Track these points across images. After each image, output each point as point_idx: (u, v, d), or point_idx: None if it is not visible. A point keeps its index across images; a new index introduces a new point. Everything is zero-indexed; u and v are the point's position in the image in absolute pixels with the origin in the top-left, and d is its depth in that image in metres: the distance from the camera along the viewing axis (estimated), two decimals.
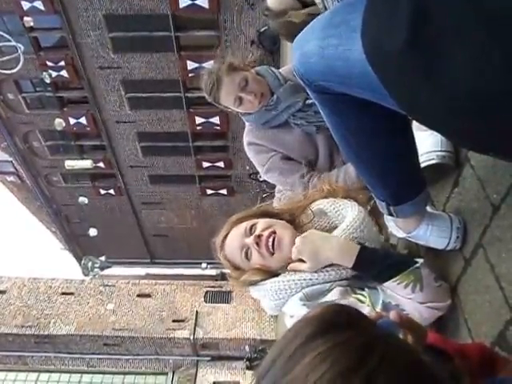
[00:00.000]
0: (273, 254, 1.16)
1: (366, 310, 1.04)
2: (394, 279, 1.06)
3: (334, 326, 0.49)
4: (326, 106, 0.96)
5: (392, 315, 0.61)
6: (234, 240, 1.20)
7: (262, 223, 1.19)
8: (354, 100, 0.85)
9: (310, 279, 1.11)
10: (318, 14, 1.23)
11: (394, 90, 0.70)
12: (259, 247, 1.15)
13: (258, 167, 1.84)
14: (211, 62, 1.74)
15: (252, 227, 1.18)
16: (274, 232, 1.16)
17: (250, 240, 1.16)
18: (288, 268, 1.15)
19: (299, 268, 1.12)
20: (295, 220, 1.26)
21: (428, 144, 1.25)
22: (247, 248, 1.17)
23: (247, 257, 1.18)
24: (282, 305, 1.17)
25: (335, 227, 1.21)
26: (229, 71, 1.65)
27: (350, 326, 0.49)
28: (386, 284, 1.08)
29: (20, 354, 17.70)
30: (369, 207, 1.24)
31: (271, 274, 1.17)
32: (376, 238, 1.20)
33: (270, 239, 1.15)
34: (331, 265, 1.12)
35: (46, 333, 17.16)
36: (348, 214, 1.20)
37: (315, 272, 1.11)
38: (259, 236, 1.15)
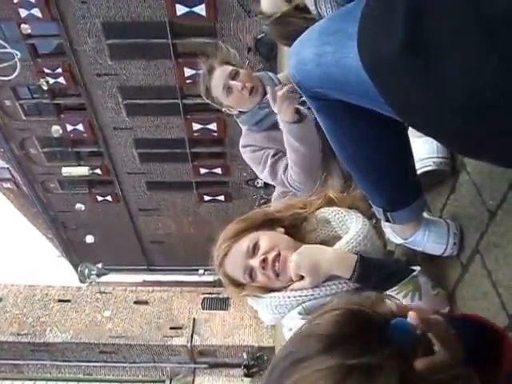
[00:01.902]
0: (278, 275, 1.14)
1: None
2: (392, 289, 1.06)
3: (339, 341, 0.50)
4: (322, 111, 0.96)
5: (411, 316, 0.52)
6: (236, 260, 1.16)
7: (265, 242, 1.15)
8: (349, 106, 0.86)
9: (312, 295, 1.09)
10: (307, 12, 1.23)
11: (389, 95, 0.70)
12: (265, 270, 1.13)
13: (255, 168, 1.84)
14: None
15: (255, 246, 1.15)
16: (279, 254, 1.13)
17: (255, 263, 1.14)
18: (289, 289, 1.12)
19: (300, 287, 1.10)
20: (296, 226, 1.23)
21: (424, 151, 1.26)
22: (251, 269, 1.15)
23: (251, 277, 1.15)
24: (280, 318, 1.15)
25: (338, 237, 1.19)
26: (222, 62, 1.70)
27: (352, 342, 0.50)
28: (385, 294, 1.07)
29: (16, 362, 17.54)
30: (374, 220, 1.22)
31: (271, 289, 1.16)
32: (380, 252, 1.18)
33: (277, 264, 1.13)
34: (331, 278, 1.10)
35: (42, 340, 17.02)
36: (352, 226, 1.17)
37: (316, 287, 1.09)
38: (264, 260, 1.13)
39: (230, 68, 1.70)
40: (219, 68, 1.70)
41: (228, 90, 1.69)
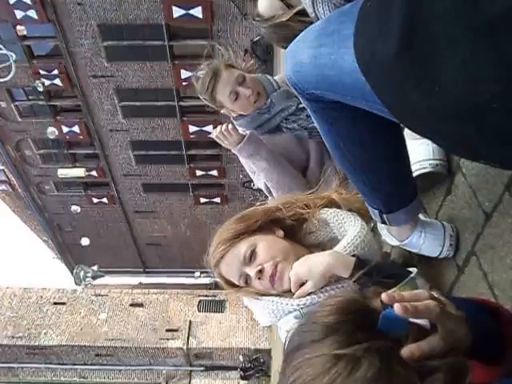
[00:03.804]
0: (274, 285, 1.12)
1: None
2: (391, 291, 1.05)
3: (334, 331, 0.52)
4: (319, 113, 0.96)
5: (394, 308, 0.52)
6: (232, 265, 1.15)
7: (262, 251, 1.13)
8: (346, 108, 0.86)
9: (311, 302, 1.08)
10: (306, 16, 1.23)
11: (386, 96, 0.70)
12: (261, 280, 1.12)
13: (250, 173, 1.84)
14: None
15: (252, 254, 1.13)
16: (276, 265, 1.11)
17: (251, 272, 1.12)
18: (294, 297, 1.10)
19: (305, 291, 1.08)
20: (297, 227, 1.22)
21: (420, 153, 1.26)
22: (247, 275, 1.14)
23: (247, 283, 1.14)
24: (276, 321, 1.14)
25: (336, 239, 1.19)
26: (227, 66, 1.68)
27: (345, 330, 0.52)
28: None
29: (10, 365, 17.44)
30: (372, 223, 1.21)
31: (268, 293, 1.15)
32: (377, 255, 1.17)
33: (275, 277, 1.11)
34: (330, 284, 1.09)
35: (37, 343, 16.92)
36: (350, 230, 1.17)
37: (314, 294, 1.08)
38: (261, 271, 1.11)
39: (237, 73, 1.67)
40: (225, 72, 1.66)
41: (235, 94, 1.67)
